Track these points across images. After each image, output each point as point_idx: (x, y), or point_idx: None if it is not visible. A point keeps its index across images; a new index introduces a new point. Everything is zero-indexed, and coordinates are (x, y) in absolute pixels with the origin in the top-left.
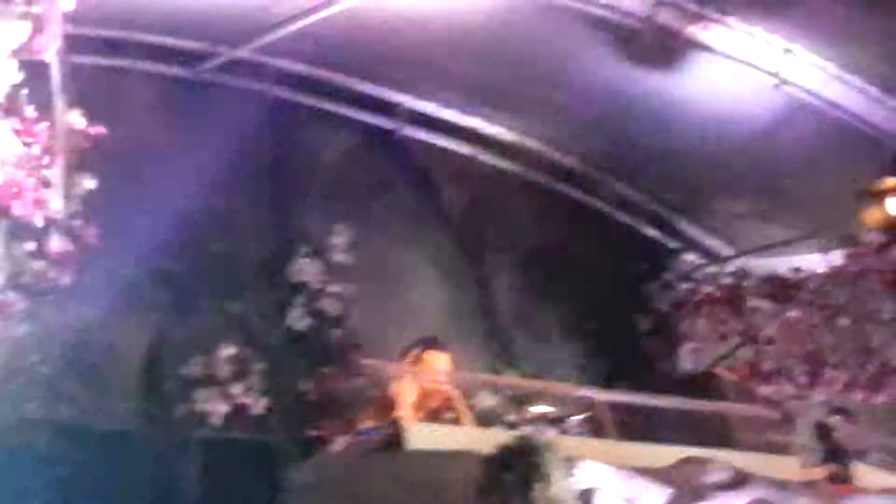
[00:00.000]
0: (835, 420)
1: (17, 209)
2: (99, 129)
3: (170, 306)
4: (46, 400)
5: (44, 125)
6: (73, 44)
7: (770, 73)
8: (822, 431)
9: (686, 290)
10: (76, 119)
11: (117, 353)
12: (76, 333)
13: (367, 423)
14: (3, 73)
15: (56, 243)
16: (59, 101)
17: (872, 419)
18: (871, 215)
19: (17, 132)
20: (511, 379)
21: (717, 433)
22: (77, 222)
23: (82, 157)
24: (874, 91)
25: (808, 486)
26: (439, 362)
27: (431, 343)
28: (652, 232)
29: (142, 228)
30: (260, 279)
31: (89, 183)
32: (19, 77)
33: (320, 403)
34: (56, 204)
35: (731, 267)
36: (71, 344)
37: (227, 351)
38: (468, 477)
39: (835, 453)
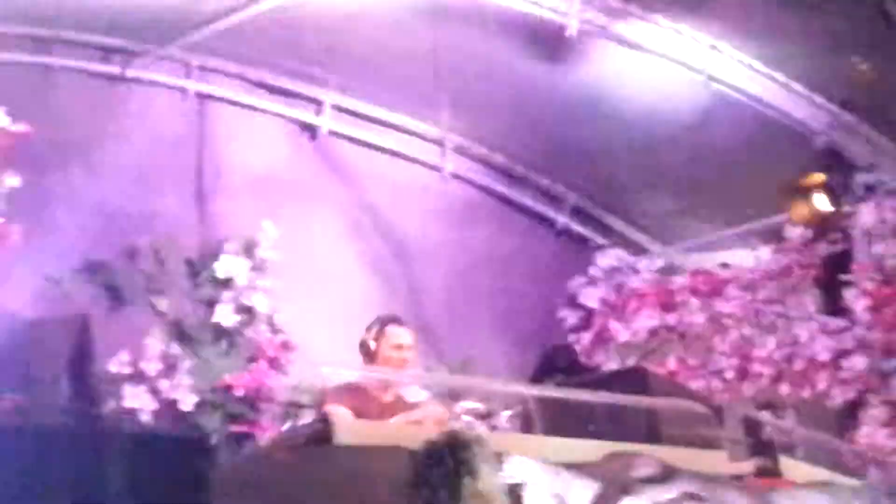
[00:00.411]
0: (762, 415)
1: None
2: (23, 128)
3: (97, 303)
4: None
5: None
6: None
7: (697, 70)
8: (750, 426)
9: (614, 286)
10: None
11: (44, 350)
12: (1, 330)
13: (296, 419)
14: None
15: None
16: None
17: (799, 414)
18: (798, 211)
19: None
20: (440, 375)
21: (645, 428)
22: (0, 220)
23: (6, 156)
24: (799, 87)
25: (737, 479)
26: (401, 337)
27: (392, 320)
28: (579, 228)
29: (68, 225)
30: (188, 276)
31: (12, 181)
32: None
33: (248, 399)
34: None
35: (658, 262)
36: None
37: (156, 347)
38: (397, 472)
39: (763, 447)
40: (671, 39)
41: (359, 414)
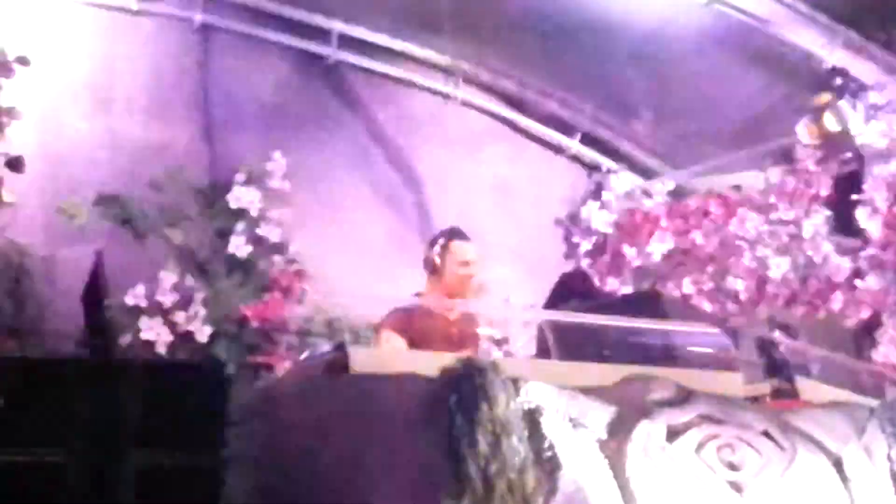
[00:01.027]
0: (778, 336)
1: None
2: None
3: (110, 235)
4: None
5: None
6: None
7: None
8: (766, 347)
9: (626, 211)
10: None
11: (58, 283)
12: (14, 264)
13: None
14: None
15: None
16: None
17: (814, 334)
18: (808, 131)
19: None
20: (454, 301)
21: (660, 351)
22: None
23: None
24: (803, 7)
25: (753, 401)
26: (467, 253)
27: (457, 234)
28: (591, 153)
29: (79, 157)
30: (199, 207)
31: (18, 114)
32: None
33: (264, 330)
34: None
35: (670, 186)
36: (9, 275)
37: (170, 279)
38: (413, 399)
39: (779, 368)
40: None
41: (421, 339)
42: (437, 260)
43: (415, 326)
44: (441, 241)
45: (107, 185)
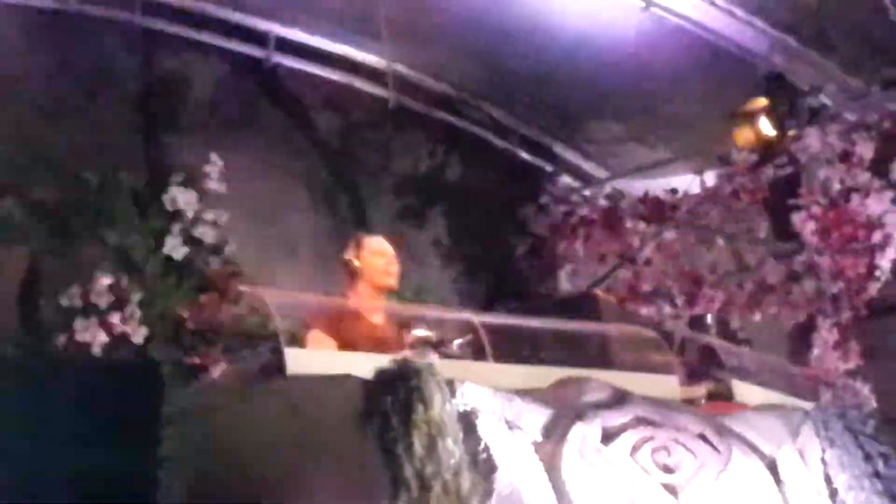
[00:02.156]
0: (713, 339)
1: None
2: None
3: (45, 237)
4: None
5: None
6: None
7: None
8: (701, 350)
9: (562, 213)
10: None
11: None
12: None
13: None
14: None
15: None
16: None
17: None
18: (744, 135)
19: None
20: (390, 304)
21: (596, 354)
22: None
23: None
24: (740, 13)
25: (689, 403)
26: (381, 244)
27: (365, 233)
28: (527, 156)
29: (9, 160)
30: (135, 209)
31: None
32: None
33: (199, 331)
34: None
35: (606, 189)
36: None
37: (105, 280)
38: (349, 401)
39: (714, 371)
40: None
41: (348, 340)
42: (356, 260)
43: (343, 327)
44: (352, 242)
45: (42, 186)
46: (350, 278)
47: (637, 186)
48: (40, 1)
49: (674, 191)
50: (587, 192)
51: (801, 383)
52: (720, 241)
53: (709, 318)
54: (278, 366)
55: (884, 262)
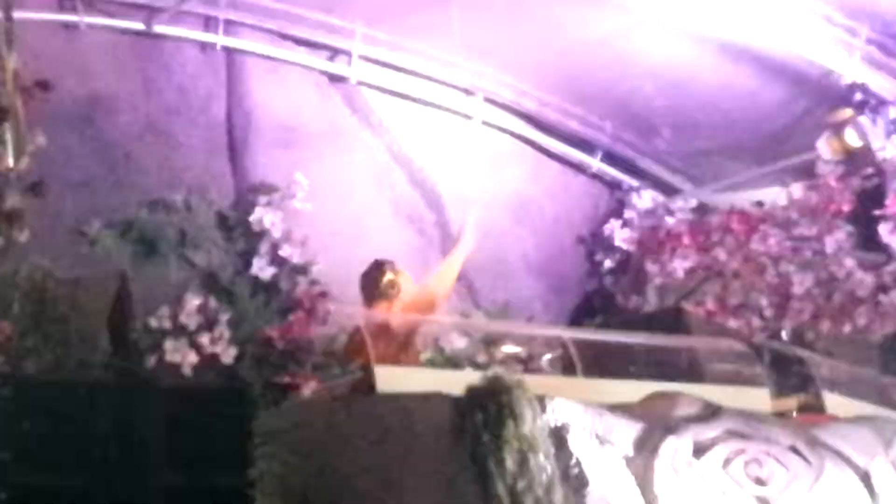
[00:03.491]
0: (803, 351)
1: None
2: (49, 85)
3: (133, 258)
4: (10, 356)
5: None
6: None
7: None
8: (792, 362)
9: (649, 228)
10: (25, 74)
11: (82, 307)
12: (38, 289)
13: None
14: None
15: (10, 200)
16: (6, 57)
17: (840, 349)
18: (829, 147)
19: None
20: (479, 321)
21: (686, 368)
22: (30, 178)
23: (33, 114)
24: (824, 23)
25: (780, 416)
26: (403, 279)
27: (386, 264)
28: (612, 170)
29: (100, 182)
30: (222, 229)
31: (40, 138)
32: None
33: (289, 351)
34: (8, 161)
35: (692, 203)
36: (33, 299)
37: (195, 301)
38: (439, 418)
39: (805, 383)
40: None
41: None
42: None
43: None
44: (388, 267)
45: (128, 207)
46: (388, 302)
47: (723, 199)
48: (125, 22)
49: (760, 203)
50: (673, 206)
51: (893, 394)
52: (808, 254)
53: (783, 333)
54: (368, 384)
55: None
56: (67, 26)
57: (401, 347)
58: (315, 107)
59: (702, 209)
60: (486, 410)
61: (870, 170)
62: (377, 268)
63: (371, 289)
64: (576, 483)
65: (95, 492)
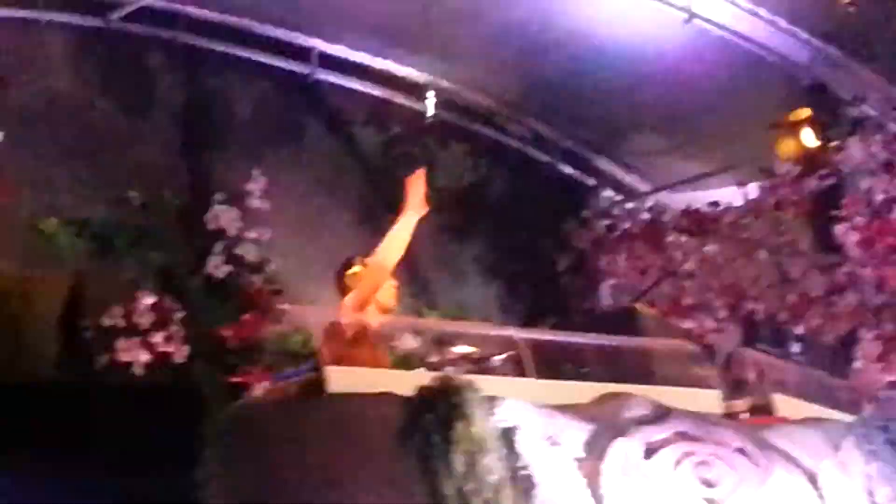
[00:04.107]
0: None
1: None
2: (6, 80)
3: (87, 256)
4: None
5: None
6: None
7: (679, 7)
8: (742, 364)
9: (604, 227)
10: None
11: (34, 305)
12: None
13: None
14: None
15: None
16: None
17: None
18: (786, 147)
19: None
20: (431, 320)
21: (637, 369)
22: None
23: None
24: (783, 23)
25: (730, 418)
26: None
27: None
28: (568, 170)
29: (55, 179)
30: (177, 227)
31: None
32: None
33: (241, 350)
34: None
35: (648, 202)
36: None
37: (147, 300)
38: (390, 418)
39: (755, 385)
40: None
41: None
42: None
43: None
44: (357, 262)
45: (84, 205)
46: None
47: (679, 199)
48: (83, 19)
49: (716, 203)
50: (629, 206)
51: (843, 397)
52: (762, 254)
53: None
54: (320, 384)
55: None
56: (27, 22)
57: (369, 346)
58: (274, 104)
59: (658, 209)
60: (436, 411)
61: (826, 170)
62: (346, 262)
63: (340, 282)
64: (525, 485)
65: (45, 490)
